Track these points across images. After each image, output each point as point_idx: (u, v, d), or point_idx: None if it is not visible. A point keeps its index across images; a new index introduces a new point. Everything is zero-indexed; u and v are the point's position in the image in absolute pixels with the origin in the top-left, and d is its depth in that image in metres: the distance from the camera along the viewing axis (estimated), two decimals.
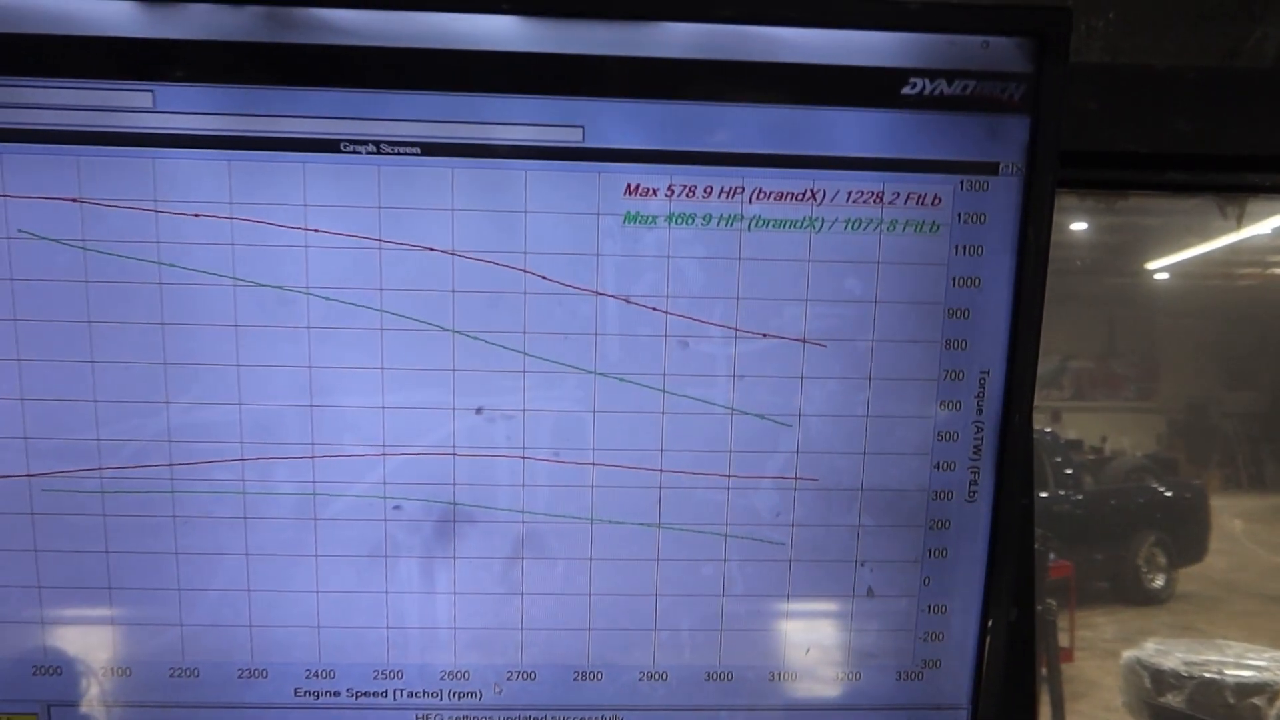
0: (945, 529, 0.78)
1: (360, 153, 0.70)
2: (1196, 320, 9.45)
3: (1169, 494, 6.26)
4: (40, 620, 0.77)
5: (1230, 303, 9.15)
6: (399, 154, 0.70)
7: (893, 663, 0.80)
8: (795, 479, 0.76)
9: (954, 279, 0.74)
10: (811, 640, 0.79)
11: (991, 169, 0.73)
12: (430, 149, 0.70)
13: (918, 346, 0.75)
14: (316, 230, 0.71)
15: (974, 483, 0.77)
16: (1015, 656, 0.88)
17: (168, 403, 0.73)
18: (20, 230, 0.70)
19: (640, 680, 0.79)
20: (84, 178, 0.70)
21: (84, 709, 0.78)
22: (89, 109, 0.69)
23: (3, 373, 0.72)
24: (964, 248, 0.74)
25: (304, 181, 0.71)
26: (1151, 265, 8.06)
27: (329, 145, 0.70)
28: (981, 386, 0.76)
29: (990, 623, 0.79)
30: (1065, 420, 9.25)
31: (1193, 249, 7.19)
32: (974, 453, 0.77)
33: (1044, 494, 5.57)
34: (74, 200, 0.70)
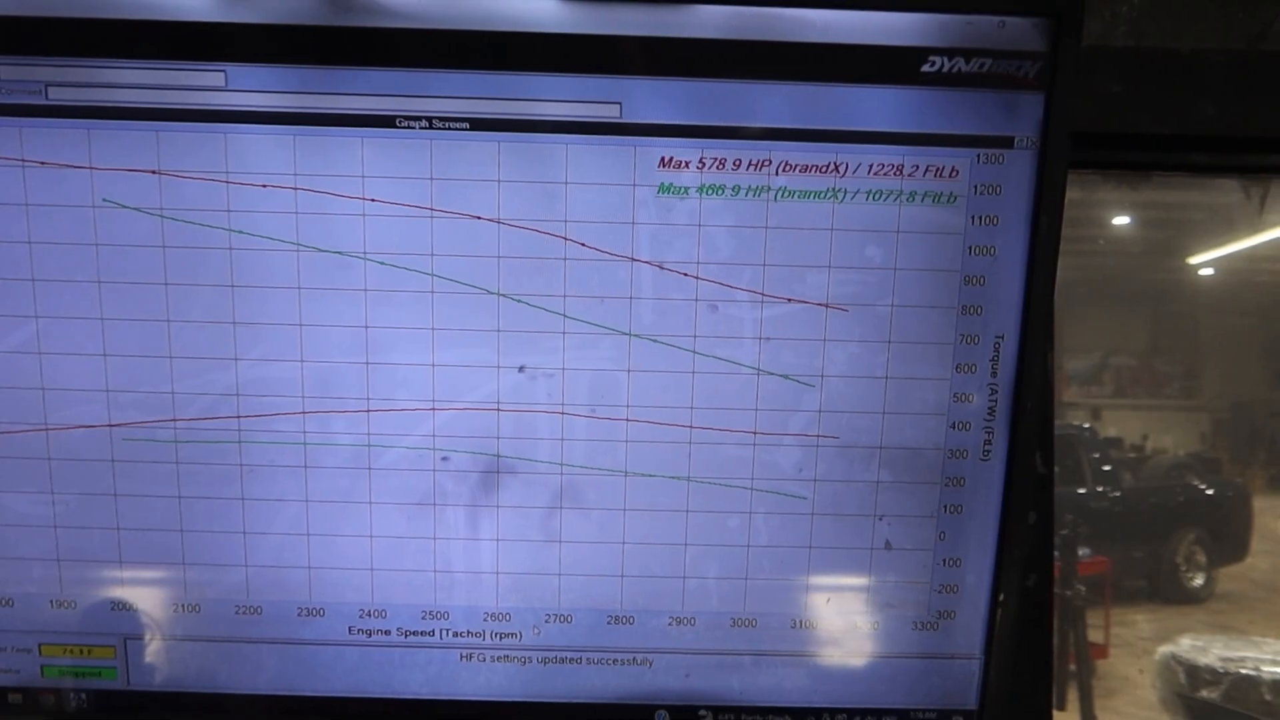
0: (960, 486, 0.82)
1: (414, 128, 0.76)
2: (1243, 317, 9.27)
3: (1210, 492, 6.16)
4: (119, 560, 0.83)
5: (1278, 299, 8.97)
6: (449, 129, 0.76)
7: (910, 613, 0.84)
8: (817, 436, 0.81)
9: (970, 248, 0.78)
10: (832, 590, 0.84)
11: (1007, 143, 0.77)
12: (478, 124, 0.76)
13: (935, 312, 0.79)
14: (373, 200, 0.77)
15: (988, 443, 0.81)
16: (1030, 614, 0.92)
17: (236, 359, 0.79)
18: (105, 199, 0.77)
19: (670, 625, 0.84)
20: (162, 151, 0.76)
21: (156, 642, 0.85)
22: (167, 88, 0.75)
23: (87, 330, 0.79)
24: (980, 218, 0.78)
25: (362, 154, 0.76)
26: (1195, 260, 7.93)
27: (385, 121, 0.76)
28: (996, 350, 0.80)
29: (1003, 577, 0.83)
30: (1106, 418, 9.13)
31: (1238, 243, 7.06)
32: (988, 414, 0.81)
33: (1081, 490, 5.52)
34: (153, 172, 0.76)
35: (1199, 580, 5.78)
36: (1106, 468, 5.84)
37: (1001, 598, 0.83)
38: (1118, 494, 5.77)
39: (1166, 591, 5.66)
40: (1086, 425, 6.63)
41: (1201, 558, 5.81)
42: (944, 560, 0.83)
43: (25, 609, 0.84)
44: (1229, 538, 5.97)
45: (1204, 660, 3.40)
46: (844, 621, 0.84)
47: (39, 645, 0.85)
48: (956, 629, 0.84)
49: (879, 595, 0.84)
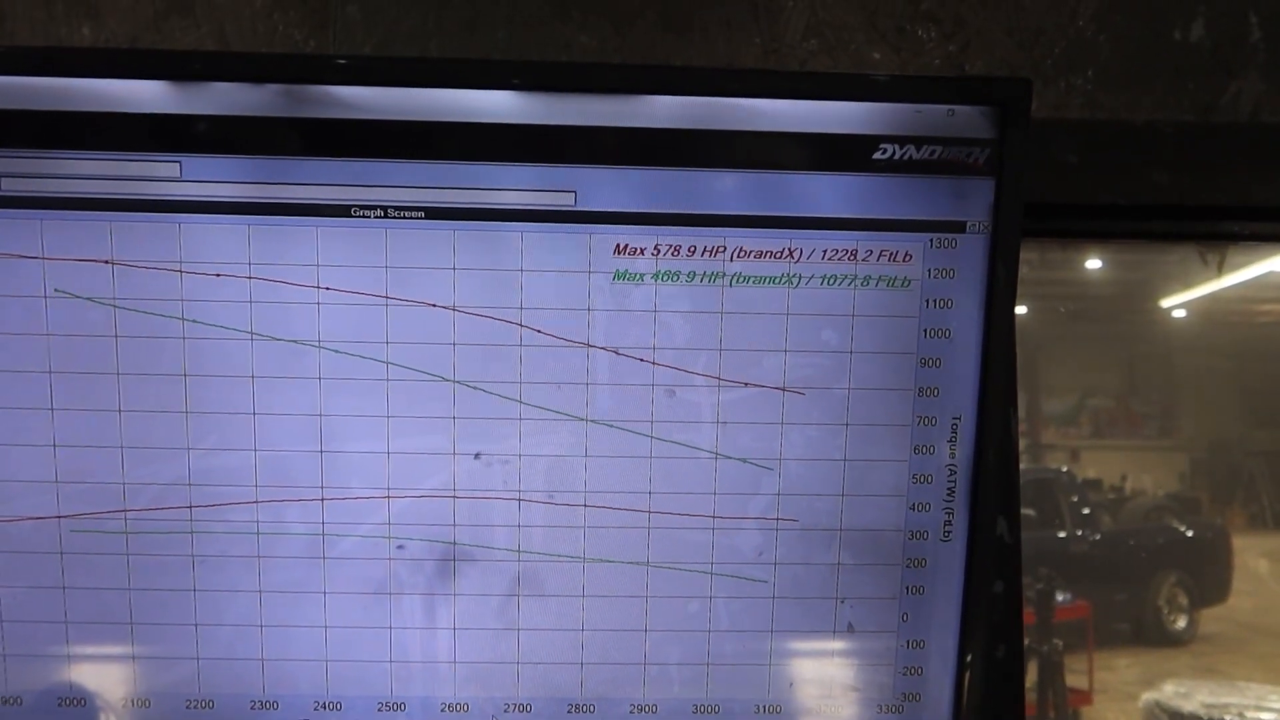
0: (922, 567, 0.81)
1: (369, 217, 0.76)
2: (1218, 358, 9.38)
3: (1190, 534, 6.19)
4: (66, 654, 0.81)
5: (1253, 338, 9.08)
6: (405, 218, 0.76)
7: (874, 695, 0.83)
8: (777, 519, 0.80)
9: (925, 330, 0.79)
10: (795, 674, 0.83)
11: (959, 227, 0.78)
12: (434, 213, 0.76)
13: (892, 394, 0.79)
14: (328, 288, 0.77)
15: (948, 523, 0.81)
16: (1001, 691, 0.91)
17: (189, 448, 0.78)
18: (56, 289, 0.76)
19: (631, 713, 0.83)
20: (115, 241, 0.76)
21: None
22: (121, 179, 0.75)
23: (37, 421, 0.78)
24: (935, 301, 0.78)
25: (317, 243, 0.76)
26: (1168, 302, 8.04)
27: (341, 210, 0.76)
28: (954, 431, 0.80)
29: (969, 657, 0.82)
30: (1084, 459, 9.18)
31: (1210, 285, 7.17)
32: (948, 494, 0.81)
33: (1061, 534, 5.53)
34: (106, 262, 0.76)
35: (1181, 622, 5.78)
36: (1085, 510, 5.85)
37: (968, 678, 0.83)
38: (1097, 537, 5.78)
39: (1149, 635, 5.65)
40: (1064, 469, 6.65)
41: (1183, 599, 5.82)
42: (908, 642, 0.83)
43: None
44: (1210, 578, 5.98)
45: (1188, 708, 3.39)
46: (809, 705, 0.83)
47: None
48: (923, 711, 0.84)
49: (843, 678, 0.83)
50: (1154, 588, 5.73)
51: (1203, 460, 9.71)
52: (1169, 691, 3.55)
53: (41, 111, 0.74)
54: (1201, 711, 3.35)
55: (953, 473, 0.80)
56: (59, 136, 0.75)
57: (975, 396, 0.79)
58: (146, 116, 0.75)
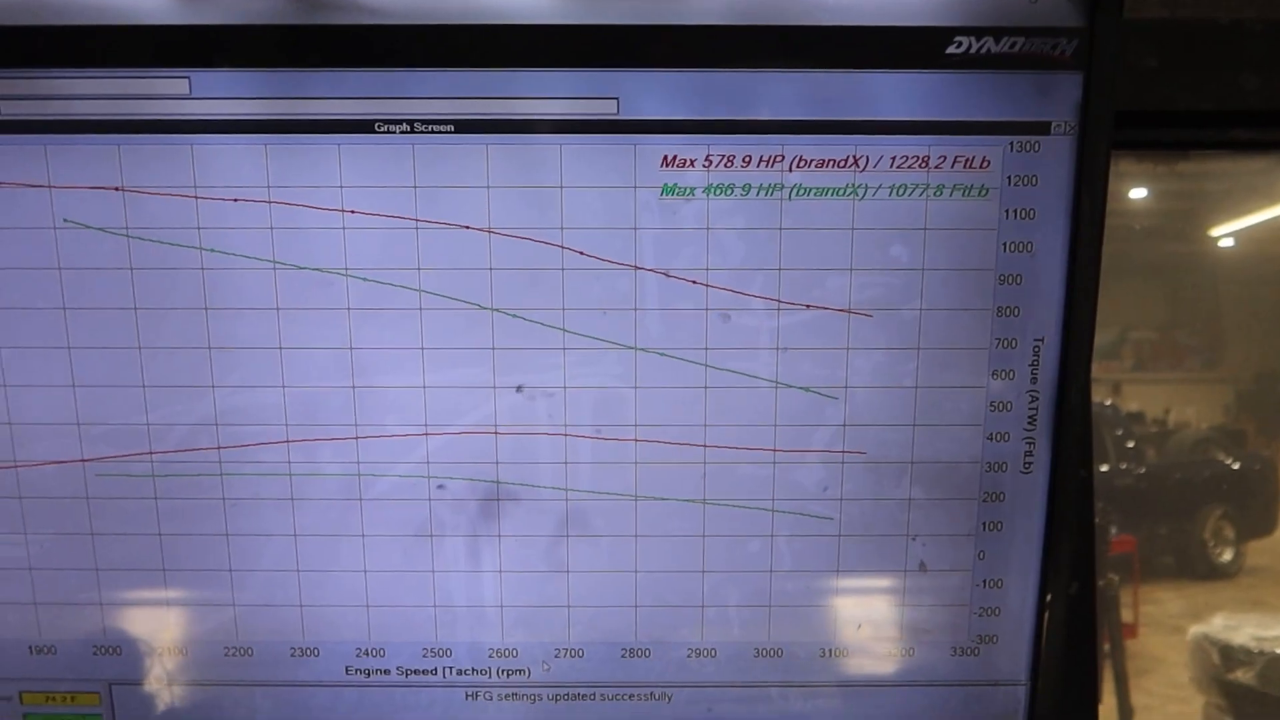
0: (1000, 502, 0.75)
1: (394, 132, 0.70)
2: (1267, 287, 9.12)
3: (1236, 466, 6.07)
4: (99, 602, 0.78)
5: None
6: (433, 132, 0.70)
7: (947, 638, 0.78)
8: (843, 452, 0.75)
9: (1005, 243, 0.72)
10: (862, 616, 0.78)
11: (1043, 129, 0.70)
12: (464, 126, 0.70)
13: (968, 315, 0.73)
14: (353, 211, 0.71)
15: (1029, 454, 0.75)
16: (1076, 631, 0.86)
17: (213, 386, 0.74)
18: (66, 220, 0.71)
19: (689, 657, 0.79)
20: (125, 166, 0.71)
21: (144, 687, 0.80)
22: (127, 97, 0.70)
23: (54, 360, 0.74)
24: (1015, 211, 0.71)
25: (339, 163, 0.70)
26: (1217, 231, 7.79)
27: (363, 126, 0.70)
28: (1036, 354, 0.73)
29: (1049, 597, 0.77)
30: (1126, 393, 9.00)
31: (1261, 213, 6.93)
32: (1029, 423, 0.74)
33: (1104, 468, 5.43)
34: (116, 189, 0.71)
35: (1228, 555, 5.68)
36: (1130, 444, 5.73)
37: (1048, 618, 0.77)
38: (1142, 471, 5.67)
39: (1195, 568, 5.57)
40: (1108, 402, 6.52)
41: (1229, 532, 5.72)
42: (984, 581, 0.77)
43: (3, 655, 0.80)
44: (1257, 511, 5.87)
45: (1237, 640, 3.33)
46: (877, 649, 0.78)
47: (20, 693, 0.80)
48: (999, 654, 0.78)
49: (914, 620, 0.78)
50: (1200, 521, 5.64)
51: (1249, 393, 9.50)
52: (1218, 624, 3.49)
53: (40, 27, 0.69)
54: (1251, 644, 3.29)
55: (1034, 399, 0.74)
56: (59, 54, 0.69)
57: (1060, 316, 0.72)
58: (151, 29, 0.69)
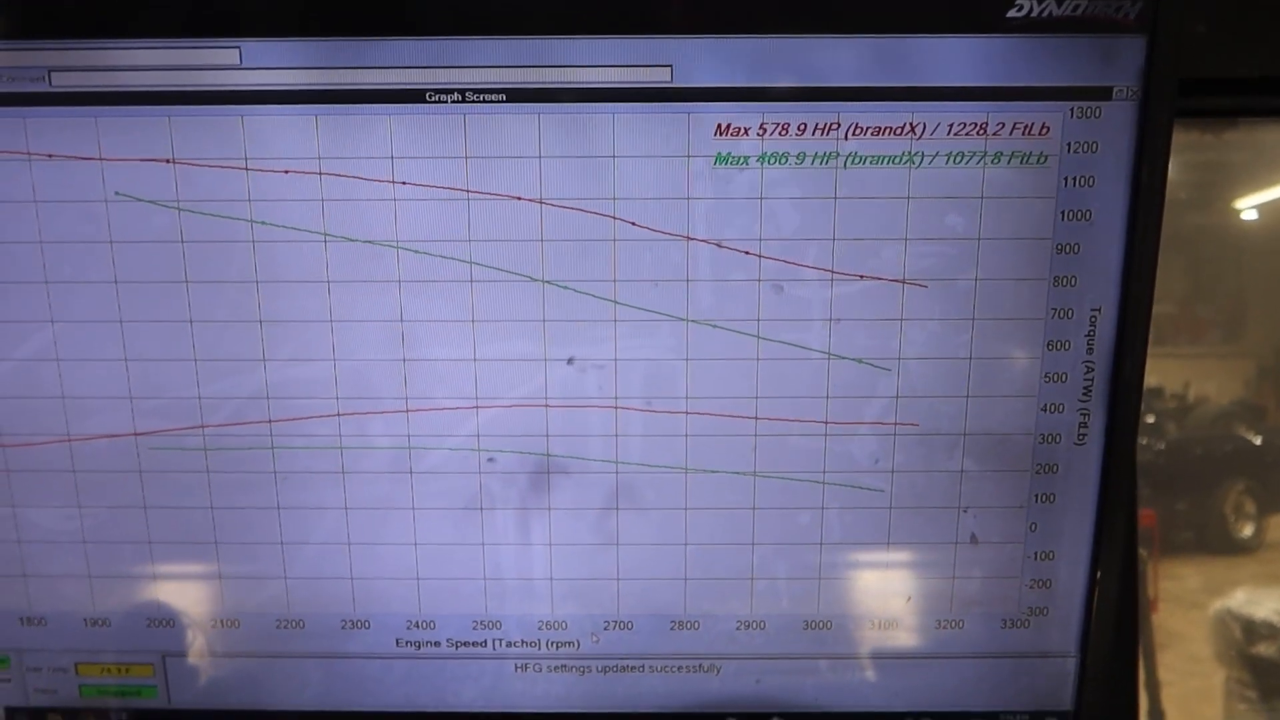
0: (1053, 473, 0.75)
1: (445, 102, 0.69)
2: None
3: (1258, 441, 6.02)
4: (152, 574, 0.79)
5: None
6: (484, 101, 0.69)
7: (998, 610, 0.78)
8: (895, 424, 0.74)
9: (1063, 212, 0.70)
10: (912, 588, 0.78)
11: (1104, 94, 0.69)
12: (516, 95, 0.69)
13: (1024, 285, 0.72)
14: (404, 183, 0.70)
15: (1083, 425, 0.74)
16: (1122, 604, 0.85)
17: (265, 360, 0.74)
18: (118, 193, 0.71)
19: (738, 629, 0.79)
20: (176, 139, 0.70)
21: (196, 659, 0.81)
22: (177, 68, 0.69)
23: (106, 334, 0.74)
24: (1074, 179, 0.70)
25: (390, 133, 0.70)
26: (1240, 203, 7.68)
27: (414, 95, 0.69)
28: (1092, 325, 0.72)
29: (1100, 570, 0.76)
30: (1146, 367, 8.92)
31: None
32: (1084, 394, 0.73)
33: None
34: (168, 161, 0.71)
35: (1248, 530, 5.65)
36: (1150, 419, 5.70)
37: (1099, 591, 0.77)
38: (1162, 446, 5.63)
39: (1215, 543, 5.54)
40: None
41: (1251, 507, 5.68)
42: (1036, 553, 0.77)
43: (59, 627, 0.80)
44: (1278, 486, 5.83)
45: (1260, 614, 3.31)
46: (927, 621, 0.78)
47: (75, 664, 0.81)
48: (1050, 626, 0.78)
49: (964, 593, 0.78)
50: (1220, 496, 5.60)
51: (1271, 367, 9.41)
52: (1240, 599, 3.48)
53: None
54: (1274, 618, 3.28)
55: (1090, 370, 0.73)
56: (110, 24, 0.68)
57: (1118, 286, 0.71)
58: None
